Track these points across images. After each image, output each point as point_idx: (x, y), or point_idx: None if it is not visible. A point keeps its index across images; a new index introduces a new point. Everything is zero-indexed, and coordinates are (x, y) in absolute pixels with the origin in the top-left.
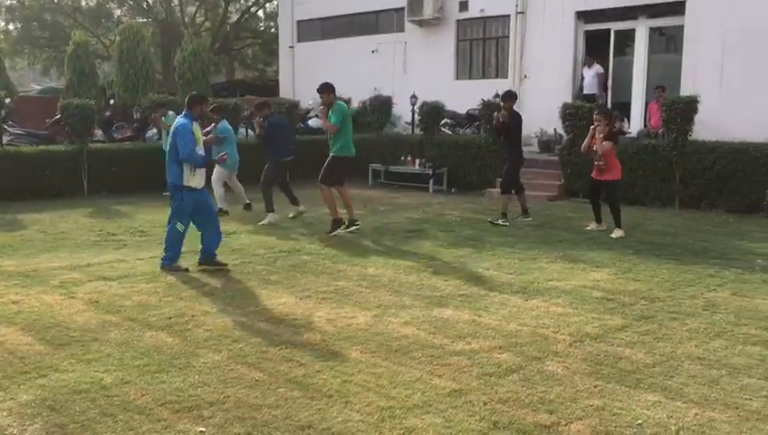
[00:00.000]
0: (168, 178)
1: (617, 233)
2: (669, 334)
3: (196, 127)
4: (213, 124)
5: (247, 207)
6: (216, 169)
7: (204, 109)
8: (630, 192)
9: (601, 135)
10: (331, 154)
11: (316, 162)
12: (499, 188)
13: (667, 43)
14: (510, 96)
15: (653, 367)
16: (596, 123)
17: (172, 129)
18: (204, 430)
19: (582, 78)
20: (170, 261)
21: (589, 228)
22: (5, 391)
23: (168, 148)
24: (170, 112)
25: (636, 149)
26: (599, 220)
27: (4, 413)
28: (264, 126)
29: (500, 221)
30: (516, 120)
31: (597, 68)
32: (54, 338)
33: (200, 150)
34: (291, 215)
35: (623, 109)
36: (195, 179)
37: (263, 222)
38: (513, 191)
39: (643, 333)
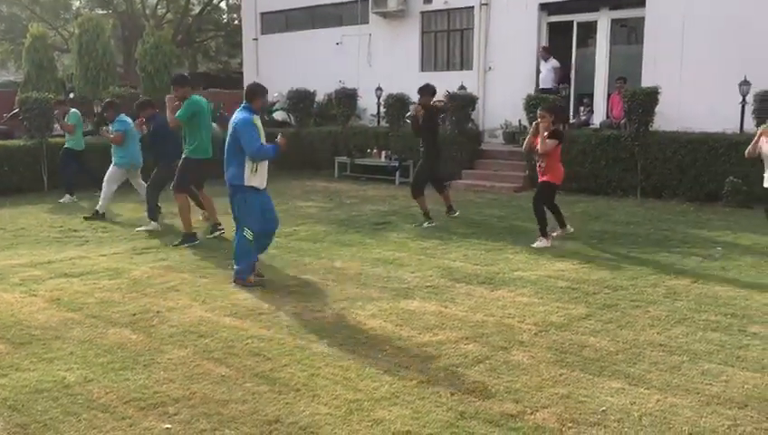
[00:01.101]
0: (227, 179)
1: (539, 243)
2: (632, 322)
3: (257, 119)
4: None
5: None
6: (111, 168)
7: (265, 101)
8: (593, 182)
9: (545, 133)
10: (183, 155)
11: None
12: (410, 190)
13: (629, 35)
14: (426, 90)
15: (616, 354)
16: (539, 119)
17: (232, 124)
18: (170, 426)
19: (539, 72)
20: (245, 274)
21: (555, 235)
22: None
23: (226, 145)
24: (72, 110)
25: (598, 139)
26: (562, 225)
27: None
28: (148, 127)
29: (425, 224)
30: (433, 115)
31: (553, 62)
32: (15, 337)
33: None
34: (200, 217)
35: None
36: (256, 179)
37: (140, 228)
38: (421, 190)
39: (606, 322)
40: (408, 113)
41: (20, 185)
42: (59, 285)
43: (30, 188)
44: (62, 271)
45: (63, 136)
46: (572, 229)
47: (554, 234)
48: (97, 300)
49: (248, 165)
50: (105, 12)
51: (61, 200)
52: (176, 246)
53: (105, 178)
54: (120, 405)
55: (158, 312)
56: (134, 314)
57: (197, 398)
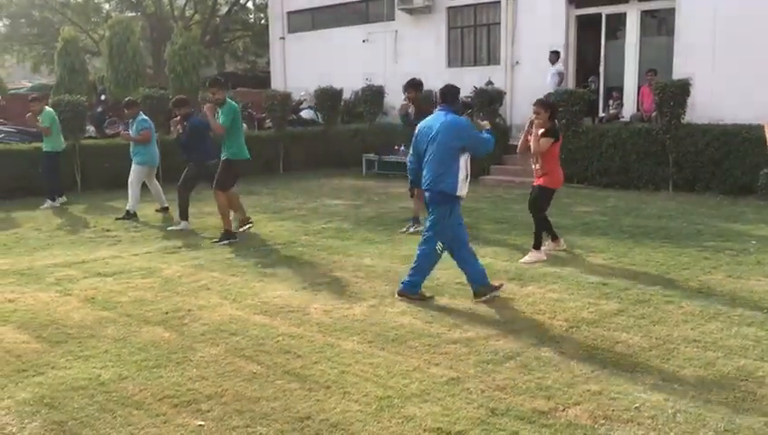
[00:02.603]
0: (435, 187)
1: (530, 256)
2: (665, 318)
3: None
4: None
5: (164, 210)
6: (133, 167)
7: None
8: (624, 176)
9: (540, 130)
10: (223, 158)
11: (309, 152)
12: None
13: (659, 26)
14: (413, 85)
15: (649, 351)
16: (534, 115)
17: (449, 128)
18: (203, 423)
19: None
20: (415, 287)
21: (545, 247)
22: (3, 390)
23: (434, 149)
24: (47, 109)
25: (629, 133)
26: (554, 237)
27: (3, 412)
28: (184, 127)
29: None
30: (423, 113)
31: (558, 66)
32: (51, 336)
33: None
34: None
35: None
36: (465, 187)
37: (172, 227)
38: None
39: (639, 317)
40: (399, 109)
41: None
42: (93, 285)
43: (64, 189)
44: (95, 270)
45: (95, 138)
46: (565, 245)
47: (545, 247)
48: (130, 299)
49: (461, 173)
50: (134, 14)
51: (42, 207)
52: (215, 243)
53: (129, 180)
54: (154, 402)
55: (189, 310)
56: (166, 313)
57: (229, 395)
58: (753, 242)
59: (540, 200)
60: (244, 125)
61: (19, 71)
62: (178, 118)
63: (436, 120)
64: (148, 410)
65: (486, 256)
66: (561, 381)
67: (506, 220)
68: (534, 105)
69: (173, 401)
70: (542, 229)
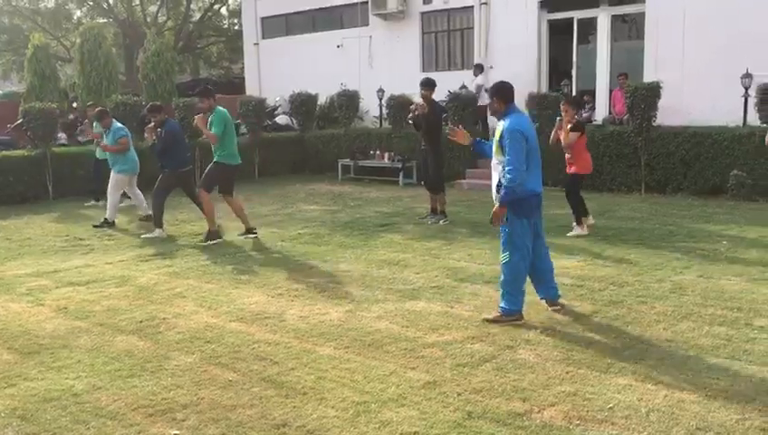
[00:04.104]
0: (540, 189)
1: (575, 231)
2: (638, 318)
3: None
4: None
5: (147, 218)
6: (113, 175)
7: None
8: (597, 179)
9: (568, 126)
10: (214, 160)
11: (284, 158)
12: (429, 193)
13: (630, 30)
14: (427, 84)
15: (623, 351)
16: (563, 113)
17: (511, 130)
18: (178, 432)
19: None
20: (516, 307)
21: (591, 223)
22: None
23: (527, 153)
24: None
25: (601, 135)
26: (578, 221)
27: None
28: (159, 134)
29: (441, 221)
30: (437, 111)
31: (478, 80)
32: (23, 346)
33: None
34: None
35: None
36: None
37: (146, 235)
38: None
39: (613, 318)
40: (410, 115)
41: (25, 195)
42: (66, 294)
43: (35, 197)
44: (68, 280)
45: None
46: (593, 221)
47: (590, 223)
48: (104, 308)
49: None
50: (106, 20)
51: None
52: (200, 242)
53: (108, 189)
54: (128, 412)
55: (164, 318)
56: (141, 322)
57: (205, 403)
58: (725, 242)
59: (573, 185)
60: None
61: None
62: (152, 125)
63: (518, 122)
64: (123, 420)
65: (462, 260)
66: (536, 382)
67: (482, 223)
68: (562, 104)
69: (148, 410)
70: (580, 208)
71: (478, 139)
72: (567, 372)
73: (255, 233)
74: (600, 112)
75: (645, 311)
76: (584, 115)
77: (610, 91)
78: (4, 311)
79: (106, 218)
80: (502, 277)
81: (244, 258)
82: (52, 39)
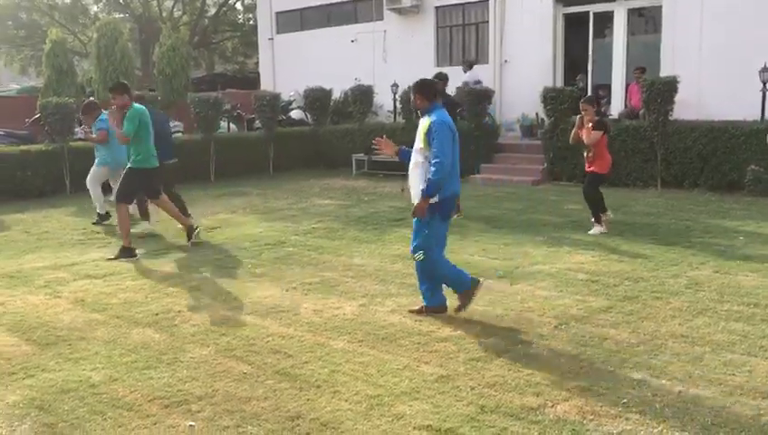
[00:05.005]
0: (458, 190)
1: (595, 229)
2: (653, 314)
3: None
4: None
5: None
6: (94, 168)
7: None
8: (612, 173)
9: (590, 124)
10: (128, 166)
11: (299, 153)
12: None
13: (647, 24)
14: (439, 77)
15: (637, 346)
16: (582, 112)
17: (440, 123)
18: (194, 424)
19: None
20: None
21: (608, 217)
22: None
23: (454, 152)
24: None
25: (617, 130)
26: (597, 219)
27: None
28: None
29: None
30: (449, 105)
31: (466, 77)
32: (41, 338)
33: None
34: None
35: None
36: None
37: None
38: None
39: (627, 314)
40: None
41: (43, 189)
42: (83, 287)
43: (53, 191)
44: (85, 272)
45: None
46: (612, 216)
47: (606, 217)
48: (120, 300)
49: None
50: (122, 15)
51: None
52: (110, 260)
53: (88, 180)
54: (144, 403)
55: (179, 311)
56: (157, 314)
57: (220, 395)
58: (741, 238)
59: (593, 185)
60: (233, 126)
61: (7, 73)
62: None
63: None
64: (139, 411)
65: (476, 255)
66: (549, 377)
67: (495, 218)
68: (582, 103)
69: (163, 401)
70: (599, 207)
71: (402, 147)
72: (581, 368)
73: (197, 228)
74: (616, 107)
75: (660, 306)
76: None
77: (627, 86)
78: (22, 303)
79: (99, 213)
80: (418, 276)
81: (259, 252)
82: (70, 34)
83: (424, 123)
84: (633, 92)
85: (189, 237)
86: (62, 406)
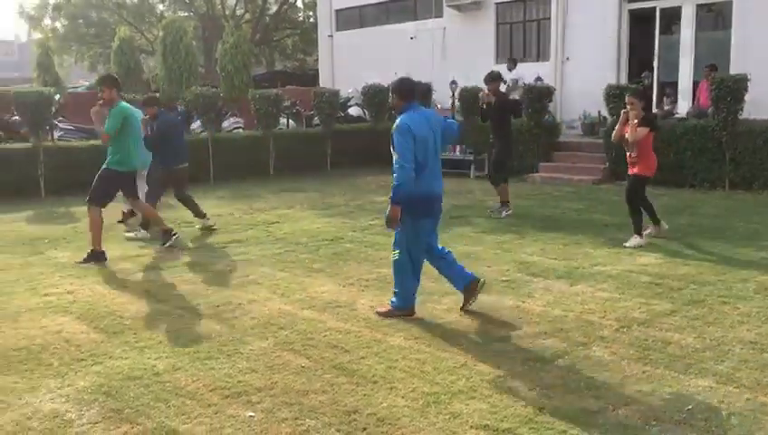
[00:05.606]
0: (440, 191)
1: (633, 241)
2: (720, 319)
3: None
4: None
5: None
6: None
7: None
8: (678, 174)
9: (635, 120)
10: (104, 165)
11: (356, 150)
12: (489, 180)
13: (716, 20)
14: (492, 78)
15: (703, 352)
16: (629, 107)
17: (399, 125)
18: (253, 414)
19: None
20: (407, 303)
21: (647, 232)
22: (63, 378)
23: (436, 151)
24: None
25: (683, 129)
26: (656, 222)
27: (63, 399)
28: (152, 127)
29: (504, 213)
30: (504, 104)
31: (511, 75)
32: (108, 326)
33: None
34: (198, 227)
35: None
36: None
37: (130, 234)
38: (493, 183)
39: (693, 318)
40: (480, 103)
41: None
42: (148, 277)
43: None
44: (150, 264)
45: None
46: (667, 226)
47: (647, 232)
48: (183, 292)
49: None
50: (187, 14)
51: None
52: (78, 263)
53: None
54: (206, 393)
55: (239, 304)
56: (217, 306)
57: (279, 388)
58: None
59: (636, 188)
60: (292, 122)
61: (77, 70)
62: (146, 118)
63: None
64: (201, 400)
65: (534, 254)
66: (610, 381)
67: (555, 218)
68: (628, 96)
69: (224, 392)
70: (641, 215)
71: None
72: (643, 372)
73: (175, 234)
74: (683, 105)
75: (727, 311)
76: (665, 108)
77: (695, 83)
78: (90, 292)
79: (123, 211)
80: (393, 273)
81: (316, 247)
82: (137, 32)
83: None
84: (702, 91)
85: (164, 242)
86: (128, 392)
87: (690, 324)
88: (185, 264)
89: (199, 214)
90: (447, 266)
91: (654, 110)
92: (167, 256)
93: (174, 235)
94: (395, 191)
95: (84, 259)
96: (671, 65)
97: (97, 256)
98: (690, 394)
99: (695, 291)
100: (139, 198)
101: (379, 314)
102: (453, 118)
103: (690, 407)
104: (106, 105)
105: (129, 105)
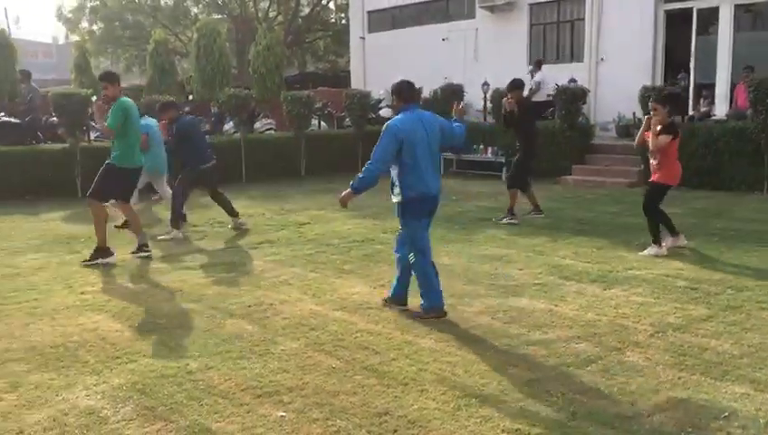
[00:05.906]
0: (437, 190)
1: (650, 250)
2: (758, 325)
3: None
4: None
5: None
6: None
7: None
8: (715, 176)
9: (658, 127)
10: (107, 161)
11: None
12: (506, 183)
13: (755, 21)
14: (515, 86)
15: (740, 358)
16: (652, 112)
17: (386, 125)
18: (284, 414)
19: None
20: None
21: (665, 244)
22: (99, 375)
23: (430, 151)
24: None
25: (721, 131)
26: (673, 233)
27: (99, 396)
28: (171, 131)
29: (505, 220)
30: (526, 111)
31: (537, 77)
32: (142, 325)
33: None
34: (230, 226)
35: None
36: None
37: (162, 236)
38: (520, 188)
39: (730, 324)
40: (503, 109)
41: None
42: (180, 277)
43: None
44: (183, 264)
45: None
46: (686, 242)
47: (665, 243)
48: (215, 292)
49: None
50: (221, 16)
51: None
52: (84, 262)
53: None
54: (238, 392)
55: (271, 304)
56: (249, 306)
57: (310, 388)
58: None
59: (653, 196)
60: (324, 124)
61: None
62: (164, 122)
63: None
64: (233, 399)
65: (567, 258)
66: (645, 386)
67: (588, 221)
68: (651, 102)
69: (256, 391)
70: (659, 224)
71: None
72: (679, 378)
73: (149, 252)
74: (719, 107)
75: (766, 318)
76: (702, 110)
77: (732, 85)
78: (125, 291)
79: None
80: (416, 277)
81: (347, 249)
82: (171, 35)
83: None
84: (740, 93)
85: (138, 250)
86: (161, 390)
87: (727, 330)
88: (217, 264)
89: (232, 213)
90: (405, 270)
91: (690, 111)
92: (200, 257)
93: (147, 252)
94: (356, 182)
95: (89, 258)
96: (708, 66)
97: (102, 253)
98: (727, 401)
99: (732, 296)
100: (128, 201)
101: (414, 316)
102: (485, 120)
103: (727, 414)
104: (108, 101)
105: (129, 99)
